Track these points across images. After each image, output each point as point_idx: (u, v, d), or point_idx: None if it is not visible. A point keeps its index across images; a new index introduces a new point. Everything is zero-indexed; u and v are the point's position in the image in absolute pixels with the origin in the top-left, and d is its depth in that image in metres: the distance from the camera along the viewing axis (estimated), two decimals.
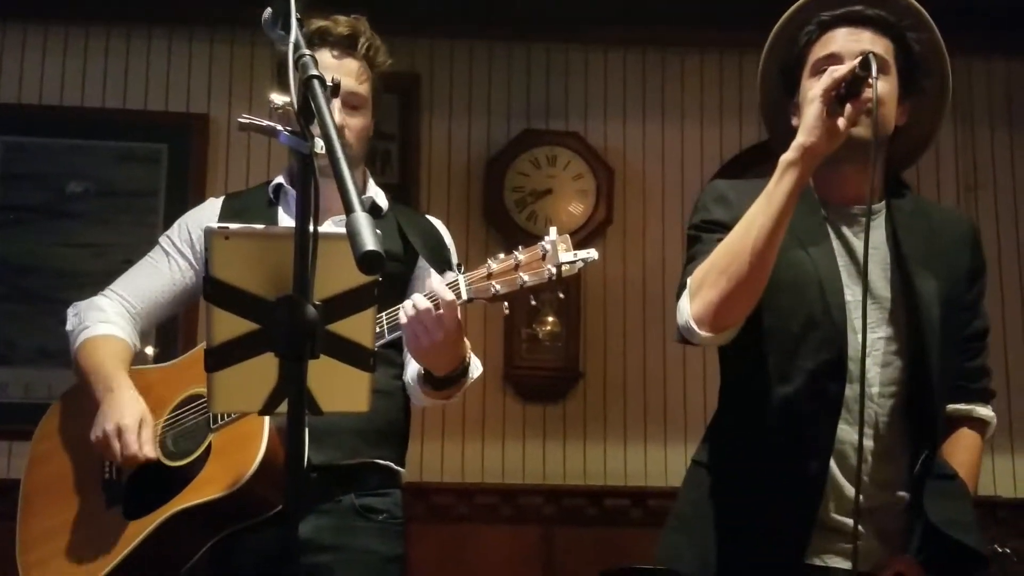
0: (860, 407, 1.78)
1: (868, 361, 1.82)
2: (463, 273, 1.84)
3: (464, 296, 1.82)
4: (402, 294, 2.01)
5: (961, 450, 1.95)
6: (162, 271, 2.19)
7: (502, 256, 1.82)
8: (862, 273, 1.83)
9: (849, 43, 1.84)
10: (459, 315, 1.82)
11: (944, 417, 1.94)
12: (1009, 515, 3.67)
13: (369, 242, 1.11)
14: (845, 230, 1.90)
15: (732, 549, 1.87)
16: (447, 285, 1.82)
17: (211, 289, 1.36)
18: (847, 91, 1.74)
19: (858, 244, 1.87)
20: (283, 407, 1.33)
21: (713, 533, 1.89)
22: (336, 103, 1.89)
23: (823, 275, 1.85)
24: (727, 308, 1.78)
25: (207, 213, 2.21)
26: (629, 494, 3.62)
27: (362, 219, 1.13)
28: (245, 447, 1.89)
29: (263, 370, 1.36)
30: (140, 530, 1.96)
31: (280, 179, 2.18)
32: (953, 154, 3.97)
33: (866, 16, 1.87)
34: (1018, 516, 3.67)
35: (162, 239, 2.23)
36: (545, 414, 3.76)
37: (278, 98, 1.35)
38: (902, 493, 1.87)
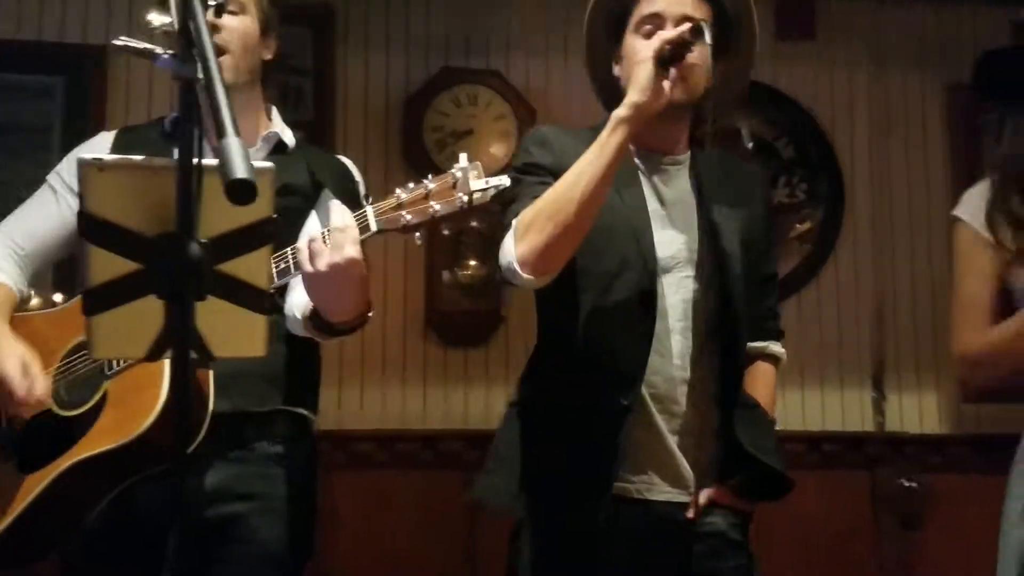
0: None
1: (677, 297, 1.97)
2: (371, 204, 1.78)
3: (373, 227, 1.76)
4: (303, 224, 1.93)
5: (760, 383, 2.11)
6: (51, 210, 2.08)
7: (412, 185, 1.77)
8: (668, 216, 1.99)
9: (672, 5, 1.97)
10: (359, 247, 1.74)
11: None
12: (915, 451, 3.78)
13: (239, 169, 1.02)
14: (656, 178, 2.04)
15: (543, 481, 1.95)
16: (356, 216, 1.76)
17: (86, 225, 1.26)
18: (671, 55, 1.86)
19: (667, 191, 2.03)
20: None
21: (526, 468, 1.97)
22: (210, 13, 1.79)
23: (634, 219, 1.97)
24: (551, 253, 1.87)
25: (98, 148, 2.10)
26: None
27: (234, 144, 1.04)
28: (143, 393, 1.81)
29: (148, 313, 1.26)
30: (36, 484, 1.87)
31: (177, 112, 2.06)
32: (866, 98, 3.98)
33: None
34: (923, 451, 3.78)
35: (51, 176, 2.12)
36: (467, 358, 3.71)
37: (156, 18, 1.25)
38: (712, 422, 1.99)
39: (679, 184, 2.05)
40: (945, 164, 3.96)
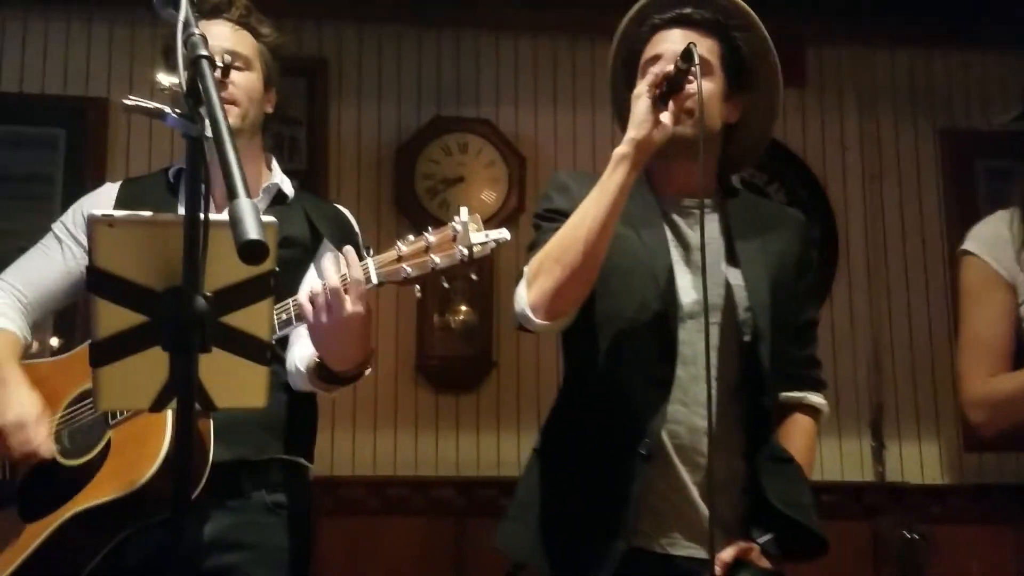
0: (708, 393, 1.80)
1: (701, 344, 1.87)
2: (372, 256, 1.79)
3: (374, 279, 1.77)
4: (303, 276, 1.95)
5: (796, 436, 2.02)
6: (55, 259, 2.11)
7: (412, 238, 1.77)
8: (692, 260, 1.91)
9: (673, 44, 1.92)
10: (366, 297, 1.77)
11: (778, 404, 2.01)
12: (916, 501, 3.74)
13: (252, 230, 1.06)
14: (679, 221, 1.97)
15: (562, 533, 1.90)
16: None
17: (94, 279, 1.30)
18: (669, 88, 1.82)
19: (691, 234, 1.95)
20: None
21: (546, 518, 1.92)
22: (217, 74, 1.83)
23: (656, 262, 1.91)
24: (561, 296, 1.83)
25: (102, 198, 2.13)
26: None
27: (245, 205, 1.08)
28: (146, 443, 1.82)
29: (152, 364, 1.30)
30: (38, 532, 1.88)
31: (181, 163, 2.10)
32: (858, 143, 4.03)
33: (691, 19, 1.97)
34: (924, 501, 3.75)
35: (55, 225, 2.15)
36: (458, 404, 3.73)
37: (165, 78, 1.29)
38: (738, 475, 1.91)
39: (706, 227, 1.93)
40: (939, 209, 3.99)
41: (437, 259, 1.73)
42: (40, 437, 1.90)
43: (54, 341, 3.18)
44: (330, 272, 1.76)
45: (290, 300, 1.85)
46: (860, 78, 4.05)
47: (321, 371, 1.91)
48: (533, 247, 1.93)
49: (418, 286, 1.78)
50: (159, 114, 1.32)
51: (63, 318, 3.07)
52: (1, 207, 3.53)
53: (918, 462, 3.83)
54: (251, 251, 1.07)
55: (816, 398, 2.06)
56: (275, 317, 1.83)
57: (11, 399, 1.92)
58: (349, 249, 1.79)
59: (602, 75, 3.88)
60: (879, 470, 3.80)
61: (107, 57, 3.69)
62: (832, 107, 4.02)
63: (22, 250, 2.20)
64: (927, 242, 3.97)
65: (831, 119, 4.02)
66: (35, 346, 2.09)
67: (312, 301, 1.77)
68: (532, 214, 3.68)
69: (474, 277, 1.84)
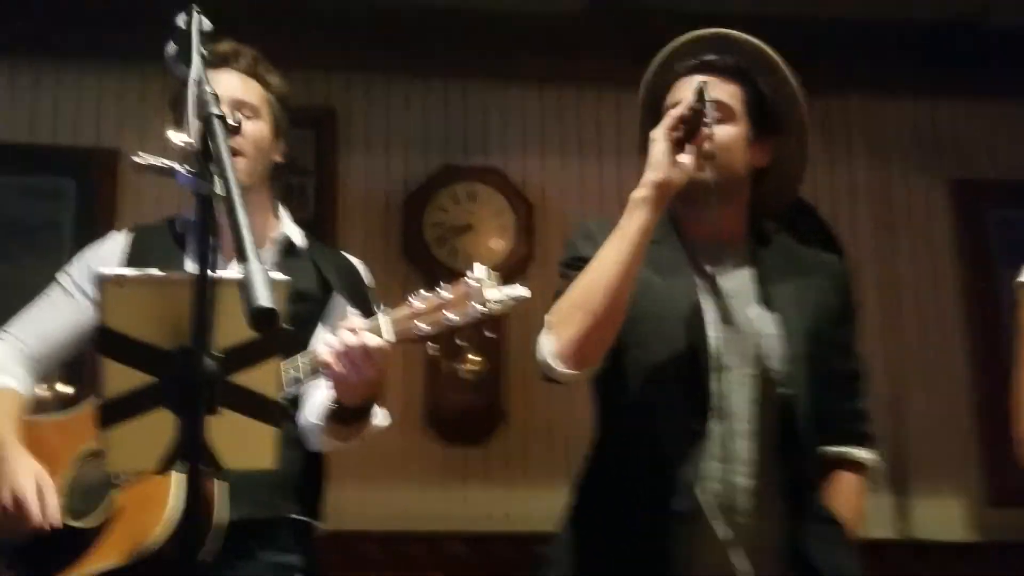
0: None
1: (740, 397, 1.83)
2: (385, 312, 1.76)
3: (389, 337, 1.73)
4: (314, 330, 1.92)
5: (841, 494, 1.95)
6: (61, 310, 2.07)
7: (425, 294, 1.74)
8: (724, 308, 1.87)
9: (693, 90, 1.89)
10: (385, 366, 1.74)
11: (822, 459, 1.95)
12: (940, 558, 3.66)
13: (261, 297, 1.04)
14: (709, 268, 1.93)
15: None
16: (369, 326, 1.74)
17: (103, 340, 1.28)
18: (687, 132, 1.81)
19: (721, 281, 1.91)
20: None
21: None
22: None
23: (685, 310, 1.86)
24: (584, 344, 1.79)
25: (110, 249, 2.10)
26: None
27: (255, 270, 1.06)
28: (151, 507, 1.79)
29: (160, 425, 1.27)
30: None
31: (186, 214, 2.08)
32: (868, 194, 4.02)
33: (713, 65, 1.93)
34: (948, 559, 3.66)
35: (60, 275, 2.11)
36: (467, 456, 3.68)
37: (176, 136, 1.28)
38: (782, 537, 1.84)
39: (737, 274, 1.91)
40: (953, 259, 3.97)
41: (452, 316, 1.69)
42: (46, 509, 1.86)
43: (62, 387, 3.14)
44: (350, 337, 1.73)
45: (299, 357, 1.82)
46: (869, 127, 4.05)
47: (336, 413, 1.86)
48: (557, 296, 1.88)
49: (434, 344, 1.74)
50: (170, 172, 1.31)
51: (71, 365, 3.06)
52: (11, 257, 3.53)
53: (941, 518, 3.75)
54: (262, 318, 1.05)
55: (861, 453, 1.98)
56: (286, 373, 1.80)
57: (9, 471, 1.87)
58: (357, 317, 1.75)
59: (609, 124, 3.99)
60: (902, 527, 3.73)
61: (117, 107, 3.71)
62: (841, 157, 4.01)
63: (31, 300, 2.17)
64: (940, 292, 3.94)
65: (841, 169, 4.00)
66: (43, 392, 2.04)
67: (338, 358, 1.73)
68: (541, 262, 3.74)
69: (490, 335, 1.79)
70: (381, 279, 3.53)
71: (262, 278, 1.05)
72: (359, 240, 3.72)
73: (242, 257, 1.08)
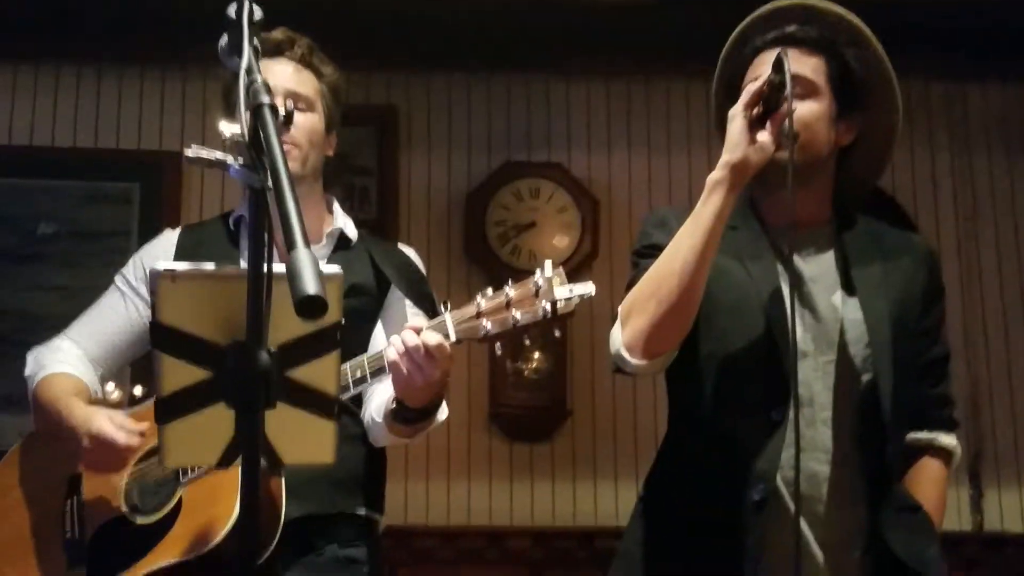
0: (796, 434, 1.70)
1: (819, 385, 1.78)
2: (449, 311, 1.73)
3: (452, 337, 1.71)
4: (373, 327, 1.91)
5: (924, 481, 1.90)
6: (119, 312, 2.08)
7: (491, 292, 1.70)
8: (805, 295, 1.80)
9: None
10: (448, 367, 1.72)
11: (906, 446, 1.89)
12: (1016, 552, 3.59)
13: (309, 285, 1.01)
14: (788, 252, 1.83)
15: None
16: (433, 325, 1.72)
17: (158, 335, 1.27)
18: (766, 107, 1.72)
19: (805, 266, 1.84)
20: None
21: (655, 569, 1.82)
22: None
23: (766, 298, 1.79)
24: (658, 334, 1.74)
25: (162, 247, 2.10)
26: (619, 534, 3.44)
27: (304, 257, 1.03)
28: (218, 503, 1.79)
29: (218, 421, 1.26)
30: None
31: (240, 209, 2.08)
32: (951, 183, 3.91)
33: (794, 37, 1.84)
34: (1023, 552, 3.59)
35: (117, 278, 2.12)
36: (532, 453, 3.67)
37: (227, 128, 1.26)
38: (860, 526, 1.79)
39: (819, 258, 1.85)
40: None
41: (518, 315, 1.65)
42: (126, 433, 1.85)
43: (137, 390, 3.18)
44: (413, 337, 1.71)
45: (363, 357, 1.81)
46: (952, 112, 3.94)
47: (398, 413, 1.85)
48: (629, 286, 1.83)
49: (499, 343, 1.70)
50: (222, 165, 1.29)
51: (138, 365, 3.10)
52: (79, 263, 3.59)
53: (1019, 511, 3.68)
54: (309, 307, 1.03)
55: (947, 439, 1.92)
56: (350, 374, 1.79)
57: (83, 420, 1.89)
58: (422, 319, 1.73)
59: (678, 116, 3.92)
60: (977, 519, 3.65)
61: (180, 111, 3.76)
62: (922, 143, 3.91)
63: None
64: None
65: (921, 155, 3.90)
66: (117, 395, 2.05)
67: (401, 359, 1.71)
68: (606, 259, 3.69)
69: (557, 334, 1.73)
70: (443, 280, 3.57)
71: (310, 266, 1.03)
72: (421, 239, 3.72)
73: (291, 245, 1.05)
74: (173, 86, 3.78)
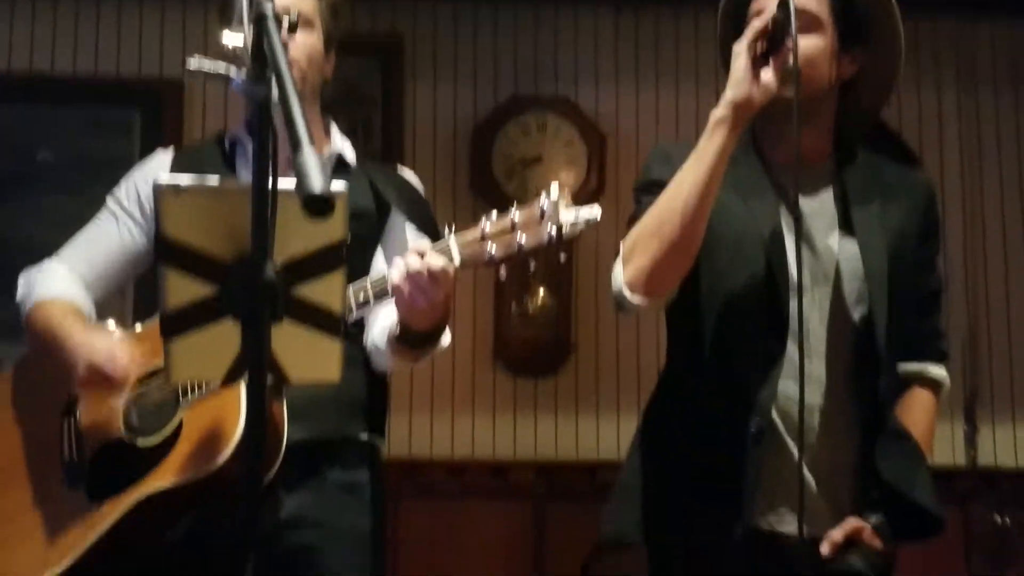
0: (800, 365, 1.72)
1: (814, 317, 1.81)
2: (454, 234, 1.71)
3: (456, 260, 1.68)
4: (373, 252, 1.89)
5: (914, 411, 1.92)
6: (111, 235, 2.06)
7: (496, 215, 1.68)
8: (804, 230, 1.81)
9: None
10: (450, 288, 1.70)
11: (896, 376, 1.91)
12: (1010, 486, 3.62)
13: (316, 183, 0.99)
14: (790, 188, 1.83)
15: (672, 514, 1.83)
16: (437, 248, 1.70)
17: (162, 249, 1.25)
18: (769, 44, 1.73)
19: (803, 203, 1.83)
20: None
21: (654, 499, 1.85)
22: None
23: (765, 233, 1.81)
24: (660, 272, 1.75)
25: (154, 167, 2.07)
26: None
27: (310, 157, 1.02)
28: (220, 424, 1.78)
29: (224, 337, 1.26)
30: (109, 513, 1.85)
31: (237, 131, 2.05)
32: (956, 121, 3.86)
33: None
34: (1019, 487, 3.62)
35: (109, 199, 2.09)
36: (536, 388, 3.68)
37: (229, 38, 1.24)
38: (853, 455, 1.84)
39: (819, 195, 1.86)
40: None
41: (523, 239, 1.63)
42: (120, 365, 1.85)
43: (138, 327, 3.16)
44: (417, 260, 1.69)
45: (366, 280, 1.79)
46: (960, 50, 3.88)
47: (402, 337, 1.83)
48: (631, 222, 1.83)
49: (502, 268, 1.68)
50: (224, 78, 1.27)
51: (141, 298, 3.09)
52: (80, 190, 3.54)
53: (1012, 446, 3.71)
54: (318, 204, 1.01)
55: (937, 370, 1.94)
56: (353, 297, 1.78)
57: (82, 344, 1.88)
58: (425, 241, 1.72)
59: (687, 50, 3.86)
60: (971, 454, 3.67)
61: (181, 37, 3.69)
62: (929, 82, 3.85)
63: None
64: None
65: (927, 94, 3.85)
66: (118, 333, 2.03)
67: (405, 282, 1.69)
68: (612, 195, 3.67)
69: (562, 257, 1.70)
70: (449, 213, 3.54)
71: (316, 164, 1.01)
72: (427, 172, 3.65)
73: (295, 144, 1.04)
74: (174, 12, 3.70)
